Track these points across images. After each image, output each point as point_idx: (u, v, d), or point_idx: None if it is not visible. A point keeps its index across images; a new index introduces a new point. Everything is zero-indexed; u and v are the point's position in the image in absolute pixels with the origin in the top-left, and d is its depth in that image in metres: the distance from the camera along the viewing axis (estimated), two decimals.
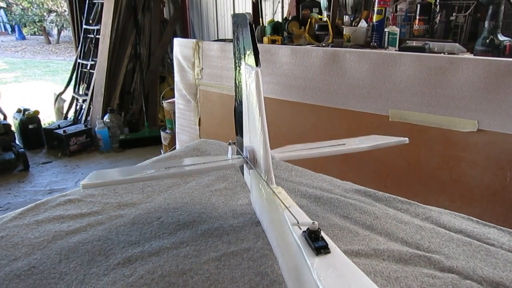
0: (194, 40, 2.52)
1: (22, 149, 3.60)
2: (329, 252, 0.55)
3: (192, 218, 0.94)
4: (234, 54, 0.93)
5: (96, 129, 3.86)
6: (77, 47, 4.42)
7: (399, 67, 1.70)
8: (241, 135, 0.93)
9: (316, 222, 0.58)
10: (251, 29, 0.77)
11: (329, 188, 1.06)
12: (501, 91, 1.46)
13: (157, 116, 4.17)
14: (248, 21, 0.78)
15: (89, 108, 4.13)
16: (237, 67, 0.92)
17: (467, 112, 1.54)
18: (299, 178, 1.12)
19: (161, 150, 3.39)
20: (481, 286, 0.70)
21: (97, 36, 4.01)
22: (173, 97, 2.89)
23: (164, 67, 4.29)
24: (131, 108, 4.16)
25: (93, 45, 4.13)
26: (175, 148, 3.00)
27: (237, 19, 0.87)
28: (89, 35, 4.17)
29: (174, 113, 2.94)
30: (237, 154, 0.92)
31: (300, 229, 0.59)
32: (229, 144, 0.89)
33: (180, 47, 2.60)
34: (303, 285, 0.53)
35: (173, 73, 2.76)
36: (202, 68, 2.51)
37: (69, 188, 3.25)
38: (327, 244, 0.55)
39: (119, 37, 3.90)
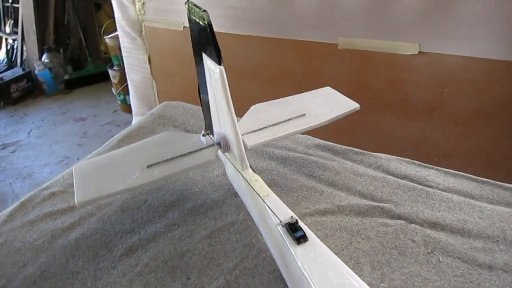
0: None
1: None
2: (307, 240, 0.67)
3: (177, 197, 1.04)
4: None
5: (36, 71, 3.62)
6: None
7: None
8: (205, 93, 0.95)
9: (293, 216, 0.70)
10: (211, 30, 0.77)
11: (293, 146, 1.17)
12: (439, 13, 1.54)
13: (99, 49, 3.92)
14: (206, 22, 0.77)
15: (22, 48, 3.80)
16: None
17: (409, 36, 1.63)
18: None
19: (112, 89, 3.29)
20: (423, 228, 0.87)
21: None
22: (115, 31, 2.72)
23: None
24: (69, 43, 3.87)
25: None
26: (127, 85, 2.92)
27: (193, 11, 0.85)
28: None
29: (119, 49, 2.80)
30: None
31: (280, 221, 0.70)
32: (203, 135, 0.94)
33: None
34: (292, 272, 0.67)
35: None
36: (143, 3, 2.35)
37: (22, 140, 3.16)
38: (305, 234, 0.68)
39: None
